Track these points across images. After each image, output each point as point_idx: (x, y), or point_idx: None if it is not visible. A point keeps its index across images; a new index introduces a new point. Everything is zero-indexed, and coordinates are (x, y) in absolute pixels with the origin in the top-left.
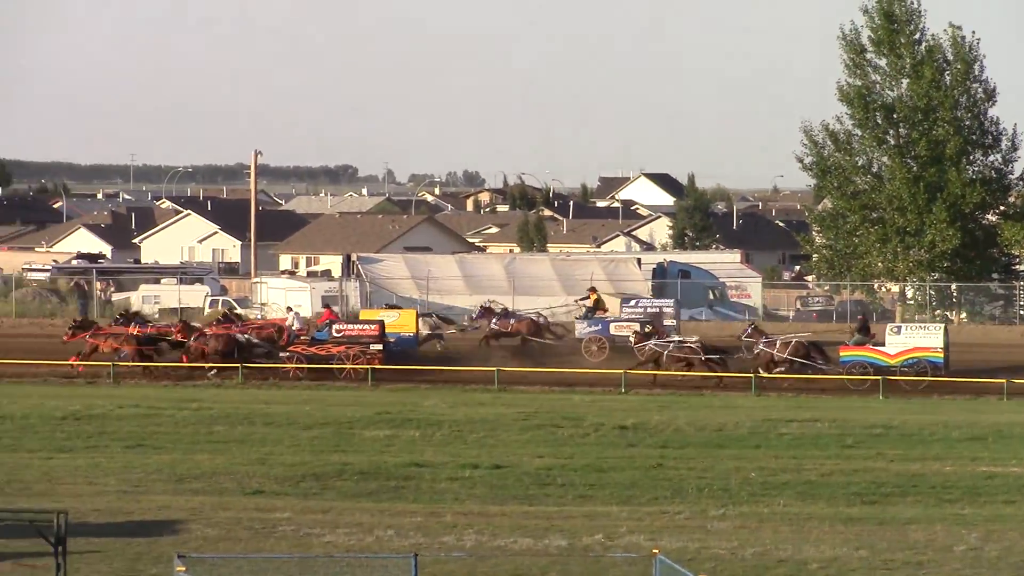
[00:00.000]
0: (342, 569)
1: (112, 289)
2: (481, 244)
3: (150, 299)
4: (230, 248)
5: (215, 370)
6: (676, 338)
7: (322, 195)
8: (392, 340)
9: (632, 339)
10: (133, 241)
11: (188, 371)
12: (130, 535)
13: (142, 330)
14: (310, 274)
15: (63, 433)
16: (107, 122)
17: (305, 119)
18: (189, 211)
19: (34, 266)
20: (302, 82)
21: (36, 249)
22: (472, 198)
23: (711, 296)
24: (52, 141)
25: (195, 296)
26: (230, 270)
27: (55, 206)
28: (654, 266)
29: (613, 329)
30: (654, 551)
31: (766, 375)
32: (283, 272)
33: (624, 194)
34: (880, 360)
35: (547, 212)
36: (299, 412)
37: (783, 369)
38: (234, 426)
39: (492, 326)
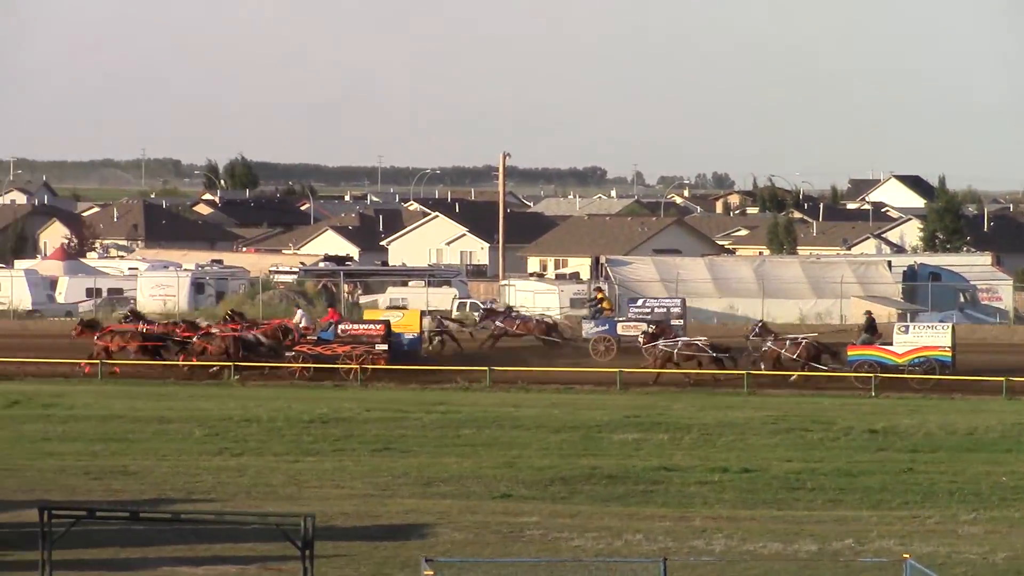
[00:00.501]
0: (591, 573)
1: (359, 291)
2: (730, 246)
3: (397, 301)
4: (478, 250)
5: (216, 368)
6: (683, 338)
7: (570, 197)
8: (406, 340)
9: (641, 339)
10: (380, 243)
11: (190, 370)
12: (377, 539)
13: (149, 328)
14: (558, 276)
15: (310, 436)
16: (354, 124)
17: (554, 120)
18: (437, 213)
19: (281, 268)
20: (551, 83)
21: (283, 251)
22: (721, 200)
23: (962, 299)
24: (299, 143)
25: (443, 298)
26: (478, 272)
27: (302, 208)
28: (904, 269)
29: (620, 329)
30: (904, 556)
31: (768, 372)
32: (531, 274)
33: (874, 196)
34: (888, 359)
35: (797, 214)
36: (547, 415)
37: (801, 365)
38: (482, 429)
39: (497, 325)
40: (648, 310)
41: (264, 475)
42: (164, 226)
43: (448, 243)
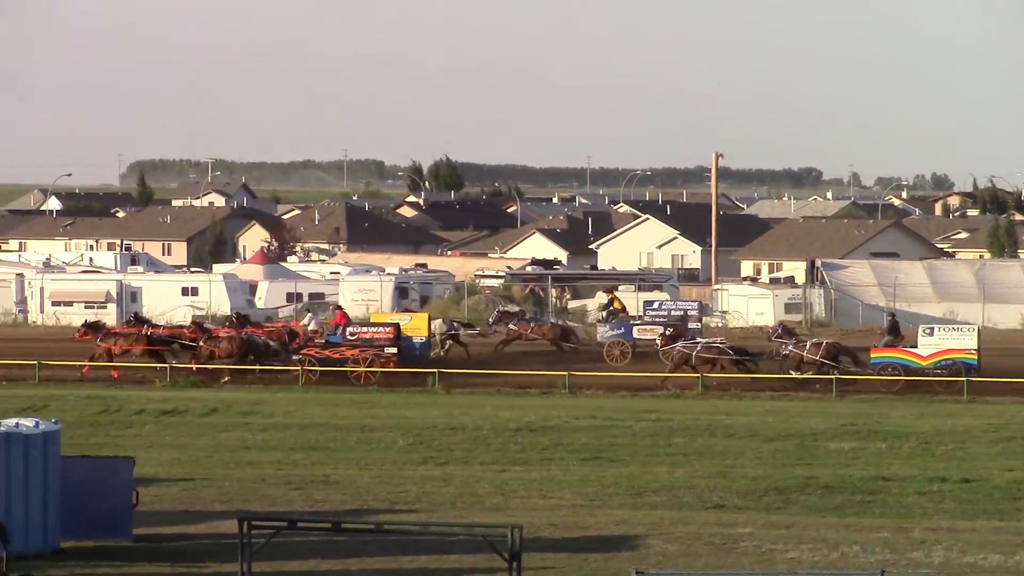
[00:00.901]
0: None
1: (568, 296)
2: (949, 250)
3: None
4: (690, 254)
5: (227, 378)
6: (703, 340)
7: (785, 199)
8: (417, 344)
9: (658, 342)
10: (589, 246)
11: (205, 373)
12: (586, 551)
13: (153, 331)
14: (772, 281)
15: (517, 445)
16: (562, 123)
17: (768, 120)
18: (648, 216)
19: (487, 272)
20: (763, 82)
21: (489, 255)
22: (940, 202)
23: None
24: (505, 143)
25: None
26: (690, 277)
27: (509, 210)
28: None
29: (636, 333)
30: None
31: (796, 376)
32: (744, 279)
33: None
34: (912, 362)
35: (1018, 216)
36: (761, 423)
37: (813, 371)
38: (694, 438)
39: (511, 328)
40: (664, 313)
41: (470, 485)
42: (367, 229)
43: (659, 246)
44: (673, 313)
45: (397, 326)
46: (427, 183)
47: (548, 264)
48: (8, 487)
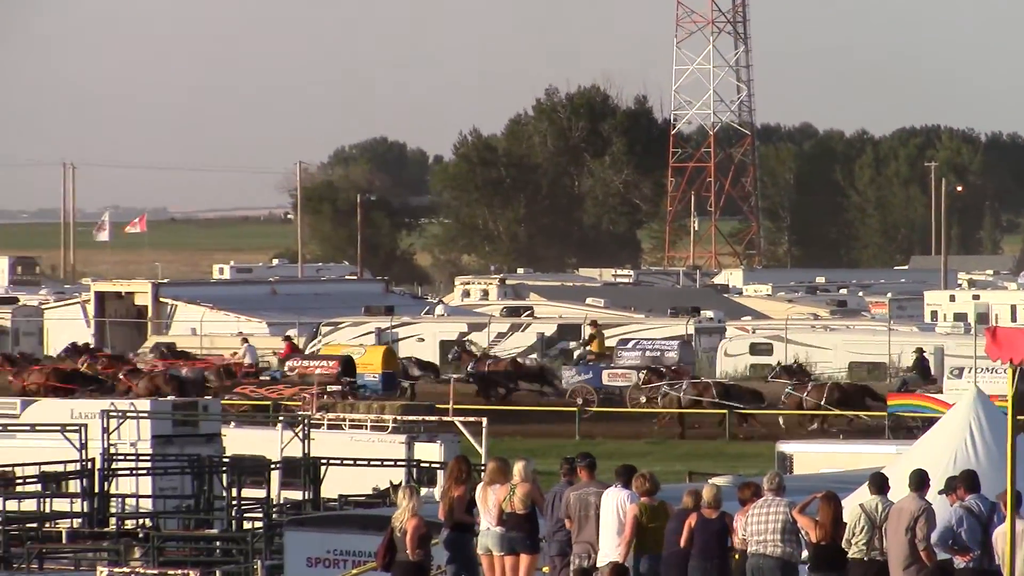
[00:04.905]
0: None
1: None
2: None
3: None
4: None
5: None
6: (686, 380)
7: None
8: (367, 381)
9: (640, 379)
10: None
11: None
12: None
13: (92, 362)
14: None
15: None
16: None
17: None
18: None
19: None
20: None
21: None
22: None
23: None
24: None
25: None
26: None
27: None
28: None
29: (606, 378)
30: None
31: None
32: None
33: None
34: (935, 410)
35: None
36: None
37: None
38: None
39: (469, 370)
40: (638, 353)
41: None
42: None
43: None
44: (648, 353)
45: (346, 360)
46: None
47: None
48: None
